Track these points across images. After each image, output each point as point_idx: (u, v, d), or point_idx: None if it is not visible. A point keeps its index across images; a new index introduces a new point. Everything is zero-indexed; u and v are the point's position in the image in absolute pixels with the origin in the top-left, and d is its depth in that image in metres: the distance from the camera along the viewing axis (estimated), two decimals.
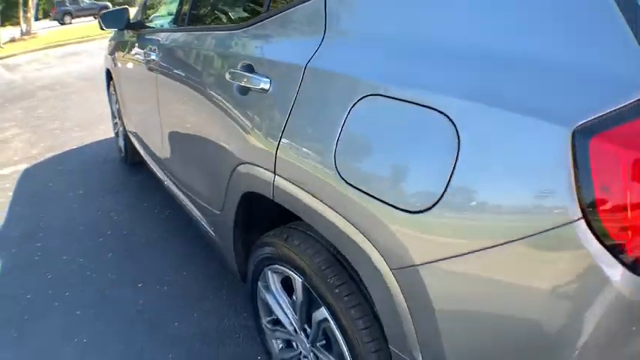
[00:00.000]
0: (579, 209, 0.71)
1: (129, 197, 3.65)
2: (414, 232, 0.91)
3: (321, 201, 1.13)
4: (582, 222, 0.71)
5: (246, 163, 1.47)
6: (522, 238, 0.77)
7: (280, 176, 1.29)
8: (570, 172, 0.71)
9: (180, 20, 2.32)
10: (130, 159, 4.04)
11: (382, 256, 0.99)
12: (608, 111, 0.70)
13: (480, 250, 0.82)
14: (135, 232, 3.11)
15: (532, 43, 0.81)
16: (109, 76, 4.14)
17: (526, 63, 0.80)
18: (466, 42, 0.90)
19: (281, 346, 1.71)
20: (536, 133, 0.75)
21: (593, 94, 0.73)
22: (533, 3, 0.84)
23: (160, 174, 2.83)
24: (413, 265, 0.92)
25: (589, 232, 0.71)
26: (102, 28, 3.16)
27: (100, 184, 3.98)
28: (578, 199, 0.71)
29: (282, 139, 1.27)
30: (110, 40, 4.05)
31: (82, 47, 15.56)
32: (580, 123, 0.70)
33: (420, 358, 0.99)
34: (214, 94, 1.68)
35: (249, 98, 1.45)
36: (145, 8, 3.26)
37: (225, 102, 1.60)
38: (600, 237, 0.71)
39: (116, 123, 4.29)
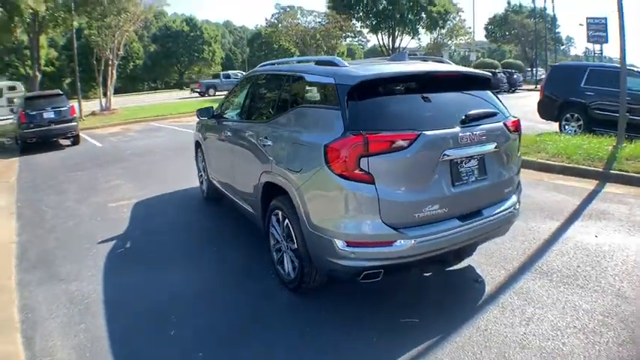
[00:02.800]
0: (326, 164, 3.18)
1: (206, 213, 6.17)
2: (299, 178, 3.38)
3: (283, 179, 3.60)
4: (326, 165, 3.21)
5: (264, 172, 3.96)
6: (317, 170, 3.22)
7: (275, 174, 3.73)
8: (322, 157, 3.18)
9: (240, 115, 5.01)
10: (208, 195, 6.66)
11: (294, 189, 3.43)
12: (332, 140, 3.16)
13: (312, 176, 3.30)
14: (204, 226, 5.56)
15: None
16: (197, 145, 6.91)
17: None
18: None
19: (275, 255, 4.03)
20: (316, 148, 3.23)
21: (329, 135, 3.19)
22: None
23: (230, 195, 5.36)
24: (298, 189, 3.38)
25: (329, 169, 3.17)
26: (198, 117, 5.83)
27: (188, 208, 6.60)
28: (325, 161, 3.19)
29: (272, 161, 3.78)
30: (197, 124, 6.76)
31: (159, 124, 18.88)
32: (325, 143, 3.16)
33: (304, 219, 3.38)
34: (253, 148, 4.23)
35: (264, 148, 3.97)
36: (221, 107, 5.91)
37: (256, 150, 4.14)
38: (333, 171, 3.15)
39: (201, 175, 6.98)
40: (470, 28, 50.62)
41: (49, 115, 13.55)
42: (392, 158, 3.12)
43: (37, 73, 21.91)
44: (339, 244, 3.18)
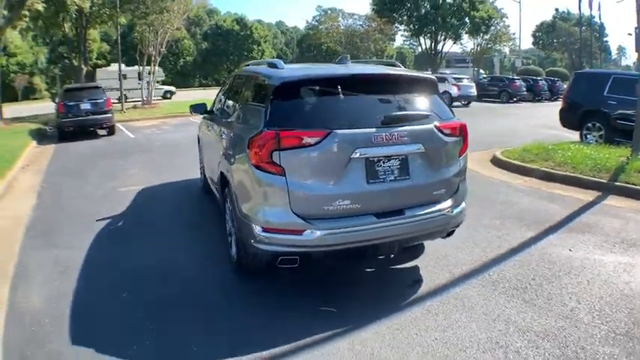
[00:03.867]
0: (249, 154, 3.48)
1: (198, 201, 6.59)
2: (233, 169, 3.78)
3: (226, 170, 3.97)
4: (248, 157, 3.51)
5: (220, 162, 4.36)
6: (242, 162, 3.63)
7: (224, 165, 4.13)
8: (246, 150, 3.52)
9: (219, 112, 5.38)
10: (203, 185, 6.98)
11: (231, 179, 3.79)
12: (253, 135, 3.49)
13: (239, 167, 3.67)
14: (193, 211, 5.92)
15: None
16: (198, 140, 7.35)
17: None
18: None
19: (229, 239, 4.33)
20: (244, 142, 3.61)
21: (255, 131, 3.54)
22: None
23: (212, 185, 5.64)
24: (232, 178, 3.78)
25: (249, 161, 3.48)
26: (191, 113, 6.18)
27: (186, 195, 7.02)
28: (247, 154, 3.51)
29: (224, 153, 4.20)
30: (201, 120, 7.14)
31: (196, 119, 19.39)
32: (249, 137, 3.51)
33: (236, 206, 3.70)
34: (218, 141, 4.62)
35: (222, 141, 4.42)
36: (213, 104, 6.28)
37: (218, 143, 4.54)
38: (252, 163, 3.45)
39: (201, 167, 7.29)
40: (514, 34, 49.56)
41: (85, 106, 14.41)
42: (302, 153, 3.36)
43: (83, 66, 23.17)
44: (257, 229, 3.46)
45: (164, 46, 27.15)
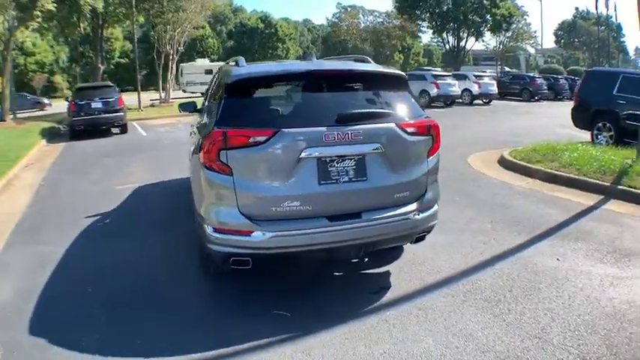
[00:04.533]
0: (199, 155, 3.39)
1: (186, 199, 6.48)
2: (191, 168, 3.74)
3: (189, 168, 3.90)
4: (199, 157, 3.39)
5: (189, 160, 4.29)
6: (196, 160, 3.53)
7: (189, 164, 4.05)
8: (200, 149, 3.38)
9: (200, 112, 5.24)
10: None
11: (191, 177, 3.79)
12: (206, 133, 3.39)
13: (194, 165, 3.63)
14: (179, 210, 5.87)
15: None
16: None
17: None
18: None
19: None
20: (198, 140, 3.51)
21: (209, 129, 3.42)
22: None
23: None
24: (191, 176, 3.77)
25: (200, 160, 3.36)
26: (180, 111, 6.12)
27: (177, 193, 6.90)
28: (198, 153, 3.42)
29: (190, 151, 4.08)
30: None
31: None
32: (203, 136, 3.40)
33: (194, 205, 3.64)
34: (195, 134, 4.45)
35: (192, 139, 4.29)
36: (203, 103, 6.21)
37: (190, 141, 4.42)
38: (202, 162, 3.35)
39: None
40: (535, 32, 48.78)
41: (97, 105, 14.59)
42: (249, 153, 3.24)
43: (100, 65, 23.55)
44: (209, 229, 3.38)
45: (182, 45, 27.40)
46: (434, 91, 23.25)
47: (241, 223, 3.25)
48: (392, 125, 3.50)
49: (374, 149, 3.39)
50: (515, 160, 8.37)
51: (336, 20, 44.01)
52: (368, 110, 3.56)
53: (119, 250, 4.84)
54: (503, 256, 4.42)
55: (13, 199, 7.14)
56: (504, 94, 28.47)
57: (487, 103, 26.00)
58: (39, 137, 14.33)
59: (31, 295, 3.86)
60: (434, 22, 42.99)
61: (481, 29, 42.48)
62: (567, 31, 56.32)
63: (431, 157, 3.71)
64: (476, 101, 25.90)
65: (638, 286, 3.76)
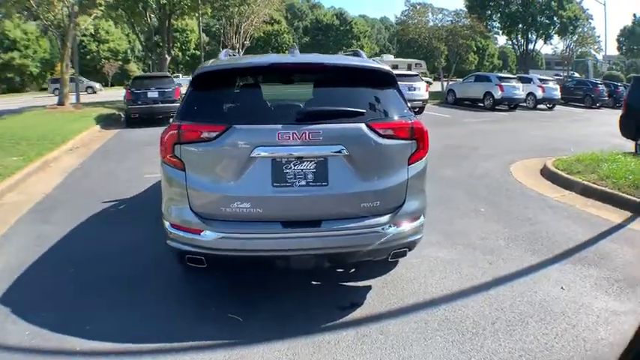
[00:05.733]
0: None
1: None
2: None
3: None
4: (160, 150, 3.27)
5: None
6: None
7: None
8: (162, 138, 3.21)
9: None
10: None
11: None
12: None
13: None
14: None
15: None
16: None
17: None
18: None
19: None
20: None
21: None
22: None
23: None
24: None
25: (160, 154, 3.23)
26: None
27: None
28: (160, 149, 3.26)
29: None
30: None
31: None
32: (168, 125, 3.23)
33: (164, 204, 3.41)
34: None
35: None
36: None
37: None
38: (161, 155, 3.21)
39: None
40: (599, 36, 45.72)
41: (153, 94, 15.13)
42: (200, 148, 3.13)
43: (167, 56, 24.43)
44: (166, 225, 3.32)
45: (248, 39, 27.91)
46: (498, 94, 22.21)
47: (192, 220, 3.16)
48: (361, 126, 3.16)
49: (336, 151, 3.10)
50: (556, 170, 7.77)
51: (405, 18, 42.90)
52: (330, 108, 3.23)
53: (118, 236, 4.92)
54: (503, 280, 3.96)
55: (44, 181, 7.48)
56: (568, 99, 27.51)
57: (551, 108, 24.77)
58: (92, 122, 14.93)
59: (17, 270, 4.06)
60: (503, 23, 41.62)
61: (549, 31, 40.91)
62: (627, 37, 52.76)
63: (413, 164, 3.31)
64: (540, 106, 24.66)
65: (628, 323, 3.26)
